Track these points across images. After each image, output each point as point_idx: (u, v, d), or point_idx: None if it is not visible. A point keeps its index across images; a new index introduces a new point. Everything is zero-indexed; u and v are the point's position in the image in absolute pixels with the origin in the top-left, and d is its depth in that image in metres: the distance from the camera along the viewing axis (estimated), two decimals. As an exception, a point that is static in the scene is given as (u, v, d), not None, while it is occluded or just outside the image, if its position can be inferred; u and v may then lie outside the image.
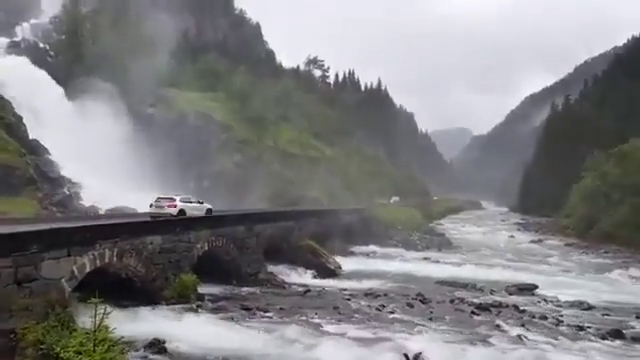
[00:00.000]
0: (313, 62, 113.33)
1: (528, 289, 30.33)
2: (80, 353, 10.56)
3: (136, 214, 32.76)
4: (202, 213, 28.33)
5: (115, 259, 19.82)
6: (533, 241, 62.86)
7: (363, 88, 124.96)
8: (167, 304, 21.12)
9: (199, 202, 29.13)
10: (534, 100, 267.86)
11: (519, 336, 19.82)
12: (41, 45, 74.63)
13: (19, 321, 14.14)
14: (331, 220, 44.23)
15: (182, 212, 26.77)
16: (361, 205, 64.45)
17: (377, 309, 23.69)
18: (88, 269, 18.17)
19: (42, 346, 13.56)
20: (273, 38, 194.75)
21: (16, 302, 14.60)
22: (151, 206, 27.45)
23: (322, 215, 44.40)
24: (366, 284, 30.78)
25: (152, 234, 22.30)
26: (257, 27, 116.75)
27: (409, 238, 57.35)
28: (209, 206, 29.51)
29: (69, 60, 70.52)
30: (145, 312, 19.69)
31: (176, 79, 76.47)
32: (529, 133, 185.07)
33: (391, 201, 79.95)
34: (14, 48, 69.26)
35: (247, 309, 21.84)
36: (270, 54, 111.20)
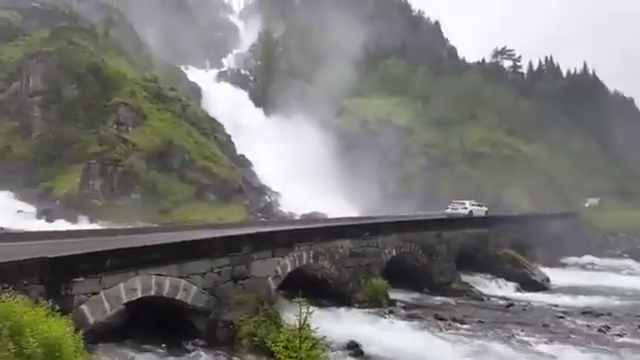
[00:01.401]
0: (501, 53, 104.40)
1: None
2: (287, 348, 11.04)
3: (327, 219, 34.48)
4: (482, 214, 37.01)
5: (311, 261, 20.89)
6: None
7: (565, 74, 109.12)
8: (360, 307, 21.36)
9: (479, 205, 38.03)
10: None
11: None
12: (243, 72, 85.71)
13: (235, 314, 15.68)
14: (533, 226, 39.75)
15: (471, 213, 35.93)
16: (570, 208, 56.45)
17: (599, 330, 20.14)
18: (289, 269, 19.48)
19: (255, 338, 14.79)
20: (454, 34, 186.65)
21: (233, 297, 16.29)
22: (447, 208, 36.88)
23: (521, 220, 40.31)
24: (583, 301, 26.73)
25: (342, 238, 22.95)
26: (436, 26, 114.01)
27: (639, 248, 48.67)
28: (486, 208, 38.37)
29: (266, 82, 79.27)
30: (340, 313, 20.19)
31: (359, 88, 79.30)
32: None
33: (586, 204, 67.11)
34: (222, 77, 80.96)
35: (442, 319, 20.67)
36: (452, 51, 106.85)
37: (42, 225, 34.58)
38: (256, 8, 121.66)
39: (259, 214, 45.17)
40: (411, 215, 35.77)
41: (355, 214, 43.85)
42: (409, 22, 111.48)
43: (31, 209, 39.00)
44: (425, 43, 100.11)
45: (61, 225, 35.08)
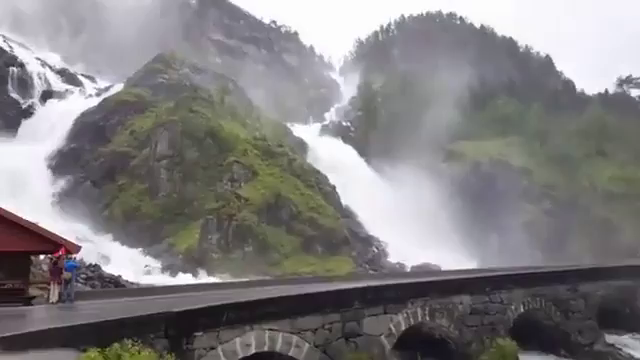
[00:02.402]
0: (626, 81, 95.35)
1: None
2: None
3: (441, 271, 32.36)
4: None
5: (427, 318, 19.35)
6: None
7: None
8: (487, 372, 19.11)
9: None
10: None
11: None
12: (344, 123, 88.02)
13: (352, 375, 14.76)
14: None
15: None
16: None
17: None
18: (403, 327, 18.15)
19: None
20: (568, 67, 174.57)
21: (345, 356, 15.43)
22: None
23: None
24: None
25: (460, 293, 21.10)
26: (547, 60, 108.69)
27: None
28: None
29: (366, 131, 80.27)
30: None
31: (465, 130, 76.73)
32: None
33: None
34: (325, 130, 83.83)
35: (588, 389, 17.66)
36: (567, 84, 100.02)
37: (166, 279, 36.98)
38: (355, 64, 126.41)
39: (367, 266, 44.18)
40: (539, 266, 32.19)
41: (472, 266, 40.88)
42: (516, 59, 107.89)
43: (157, 264, 42.17)
44: (536, 79, 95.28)
45: (183, 279, 37.28)
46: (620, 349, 24.26)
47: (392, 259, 48.07)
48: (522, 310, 22.96)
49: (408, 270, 40.70)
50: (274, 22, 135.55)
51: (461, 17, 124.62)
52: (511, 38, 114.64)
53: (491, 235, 50.19)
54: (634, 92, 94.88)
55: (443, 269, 35.88)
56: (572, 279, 25.90)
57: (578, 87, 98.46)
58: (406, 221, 51.45)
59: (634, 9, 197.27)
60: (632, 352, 24.30)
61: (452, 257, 43.07)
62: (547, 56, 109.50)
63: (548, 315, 24.09)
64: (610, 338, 25.18)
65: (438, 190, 59.27)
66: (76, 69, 79.58)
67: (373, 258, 47.93)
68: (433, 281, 22.34)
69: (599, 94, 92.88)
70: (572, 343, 23.73)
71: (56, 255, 16.15)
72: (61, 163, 54.28)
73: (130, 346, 8.76)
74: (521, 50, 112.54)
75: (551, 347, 23.47)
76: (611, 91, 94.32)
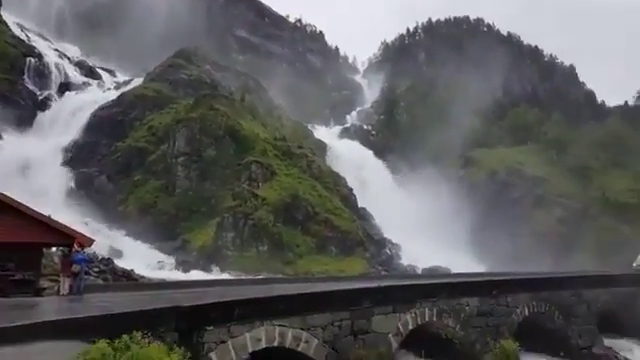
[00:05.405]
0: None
1: None
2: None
3: (451, 274, 32.70)
4: None
5: (434, 318, 19.84)
6: None
7: None
8: (489, 371, 19.53)
9: None
10: None
11: None
12: (365, 127, 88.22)
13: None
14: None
15: None
16: None
17: None
18: (410, 326, 18.66)
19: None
20: (592, 78, 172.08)
21: (353, 352, 16.04)
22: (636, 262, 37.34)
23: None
24: None
25: (468, 295, 21.52)
26: (570, 70, 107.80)
27: None
28: None
29: (387, 136, 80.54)
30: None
31: (485, 139, 76.63)
32: None
33: None
34: (345, 133, 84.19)
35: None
36: (589, 95, 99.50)
37: (179, 275, 37.46)
38: (380, 67, 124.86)
39: (379, 267, 44.62)
40: (545, 272, 32.42)
41: (482, 270, 41.15)
42: (540, 68, 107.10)
43: (170, 260, 42.61)
44: (558, 88, 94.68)
45: (196, 275, 37.86)
46: (617, 353, 24.59)
47: (404, 261, 48.42)
48: (527, 313, 23.33)
49: (419, 272, 41.09)
50: (299, 21, 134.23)
51: (489, 24, 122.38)
52: (537, 47, 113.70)
53: (503, 241, 50.26)
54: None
55: (453, 272, 36.29)
56: (577, 285, 26.21)
57: (599, 98, 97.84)
58: (421, 225, 51.77)
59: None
60: (628, 355, 24.66)
61: (463, 261, 43.45)
62: (571, 66, 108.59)
63: (550, 319, 24.45)
64: (608, 342, 25.43)
65: (454, 196, 59.47)
66: (95, 62, 76.81)
67: (386, 260, 48.29)
68: (442, 283, 22.77)
69: (619, 107, 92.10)
70: (572, 346, 24.07)
71: (70, 249, 15.89)
72: (77, 156, 53.72)
73: (140, 338, 8.71)
74: (546, 59, 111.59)
75: (552, 349, 23.81)
76: (631, 103, 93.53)
